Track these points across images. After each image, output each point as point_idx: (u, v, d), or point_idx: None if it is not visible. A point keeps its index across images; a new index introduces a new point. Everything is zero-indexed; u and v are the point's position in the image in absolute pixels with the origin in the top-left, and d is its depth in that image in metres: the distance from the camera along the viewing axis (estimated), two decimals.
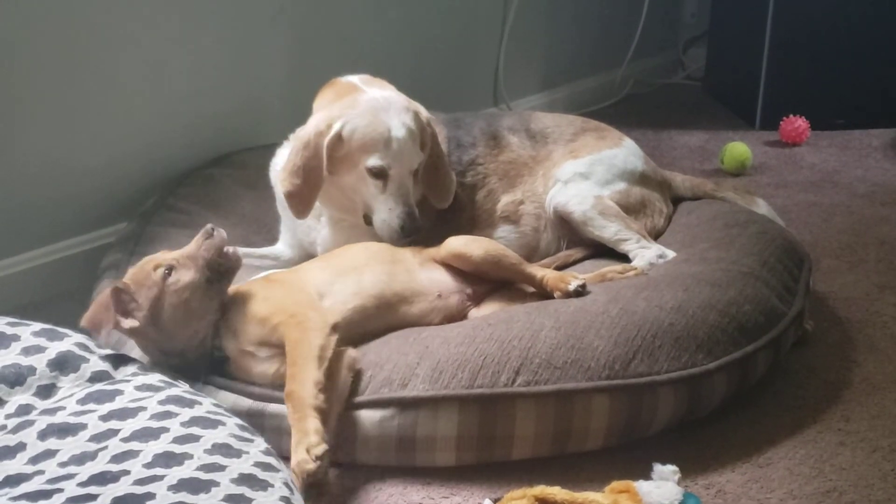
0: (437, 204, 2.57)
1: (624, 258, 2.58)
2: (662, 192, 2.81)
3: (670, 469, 1.90)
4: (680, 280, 2.30)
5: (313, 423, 1.92)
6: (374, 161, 2.39)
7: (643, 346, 2.09)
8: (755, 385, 2.27)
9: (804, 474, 2.03)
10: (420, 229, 2.42)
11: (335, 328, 2.07)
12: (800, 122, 4.07)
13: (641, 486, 1.86)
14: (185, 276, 2.09)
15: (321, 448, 1.88)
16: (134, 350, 2.20)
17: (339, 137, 2.40)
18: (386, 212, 2.41)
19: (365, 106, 2.43)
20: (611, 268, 2.48)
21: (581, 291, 2.29)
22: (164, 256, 2.13)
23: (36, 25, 2.63)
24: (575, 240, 2.67)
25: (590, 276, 2.43)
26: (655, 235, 2.69)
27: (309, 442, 1.88)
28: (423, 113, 2.52)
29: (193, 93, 3.04)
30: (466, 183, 2.66)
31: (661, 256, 2.54)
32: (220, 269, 2.12)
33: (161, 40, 2.93)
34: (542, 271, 2.38)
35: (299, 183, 2.42)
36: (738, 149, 3.77)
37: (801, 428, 2.19)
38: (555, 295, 2.32)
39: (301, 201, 2.44)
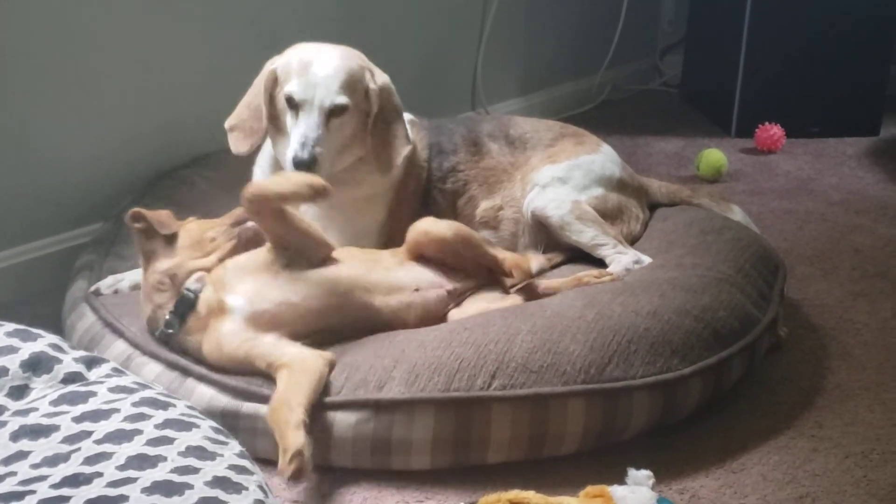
0: (379, 170, 2.54)
1: (600, 263, 2.59)
2: (639, 199, 2.82)
3: (644, 474, 1.91)
4: (656, 285, 2.31)
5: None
6: (288, 88, 2.42)
7: (619, 350, 2.10)
8: (729, 391, 2.28)
9: (777, 480, 2.04)
10: (314, 161, 2.36)
11: (331, 364, 2.09)
12: (775, 130, 4.10)
13: (616, 490, 1.85)
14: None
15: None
16: (107, 351, 2.19)
17: (274, 75, 2.47)
18: (290, 143, 2.42)
19: (301, 48, 2.49)
20: (587, 272, 2.49)
21: (543, 270, 2.35)
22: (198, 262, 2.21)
23: (13, 22, 2.61)
24: (552, 244, 2.67)
25: (566, 281, 2.44)
26: (632, 241, 2.70)
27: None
28: (378, 75, 2.51)
29: (171, 93, 3.03)
30: (447, 189, 2.66)
31: (637, 262, 2.55)
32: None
33: (140, 39, 2.91)
34: (504, 253, 2.40)
35: (245, 117, 2.50)
36: (713, 155, 3.78)
37: (774, 434, 2.20)
38: (513, 274, 2.34)
39: (243, 133, 2.50)
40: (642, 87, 5.08)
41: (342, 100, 2.42)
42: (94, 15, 2.78)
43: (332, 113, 2.42)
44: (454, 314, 2.32)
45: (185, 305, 2.16)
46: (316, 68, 2.42)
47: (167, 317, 2.16)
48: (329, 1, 3.46)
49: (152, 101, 2.98)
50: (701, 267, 2.42)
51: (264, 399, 2.03)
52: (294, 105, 2.41)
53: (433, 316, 2.30)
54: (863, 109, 4.34)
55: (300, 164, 2.35)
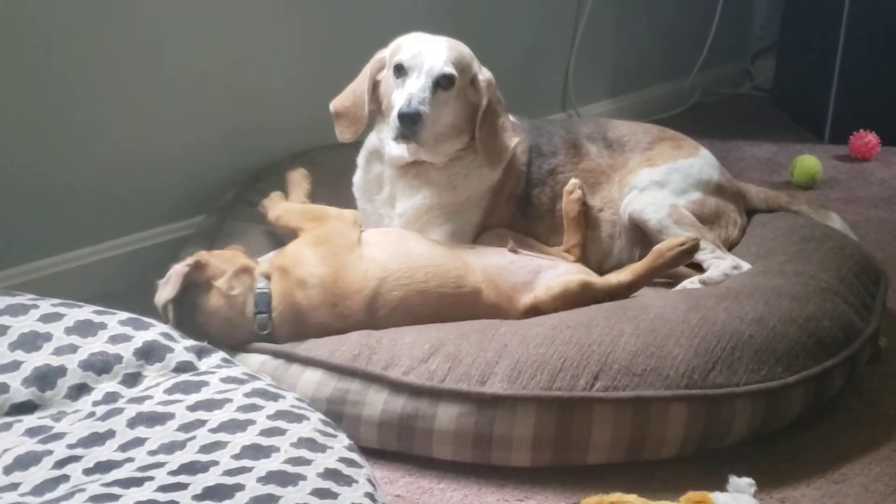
0: (488, 163, 2.56)
1: (697, 268, 2.59)
2: (737, 204, 2.81)
3: (746, 481, 1.90)
4: (759, 292, 2.30)
5: None
6: (398, 57, 2.46)
7: (723, 356, 2.09)
8: (829, 400, 2.26)
9: (879, 491, 2.02)
10: (418, 116, 2.37)
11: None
12: (870, 137, 4.04)
13: (717, 497, 1.85)
14: None
15: None
16: None
17: (381, 62, 2.54)
18: (396, 104, 2.43)
19: (410, 34, 2.55)
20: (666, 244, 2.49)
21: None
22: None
23: (119, 19, 2.67)
24: (648, 247, 2.66)
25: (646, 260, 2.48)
26: (729, 246, 2.69)
27: None
28: (485, 70, 2.57)
29: (274, 89, 3.08)
30: (546, 192, 2.67)
31: (735, 267, 2.54)
32: None
33: (240, 39, 2.97)
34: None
35: (348, 104, 2.56)
36: (808, 162, 3.74)
37: (876, 445, 2.18)
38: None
39: (347, 121, 2.56)
40: (733, 91, 5.03)
41: (450, 69, 2.45)
42: (195, 11, 2.84)
43: (439, 84, 2.44)
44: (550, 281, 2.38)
45: (265, 301, 2.23)
46: (427, 43, 2.48)
47: (257, 318, 2.23)
48: (426, 2, 3.49)
49: (252, 99, 3.03)
50: (804, 275, 2.40)
51: (369, 377, 2.10)
52: (403, 72, 2.45)
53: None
54: None
55: (405, 118, 2.37)
